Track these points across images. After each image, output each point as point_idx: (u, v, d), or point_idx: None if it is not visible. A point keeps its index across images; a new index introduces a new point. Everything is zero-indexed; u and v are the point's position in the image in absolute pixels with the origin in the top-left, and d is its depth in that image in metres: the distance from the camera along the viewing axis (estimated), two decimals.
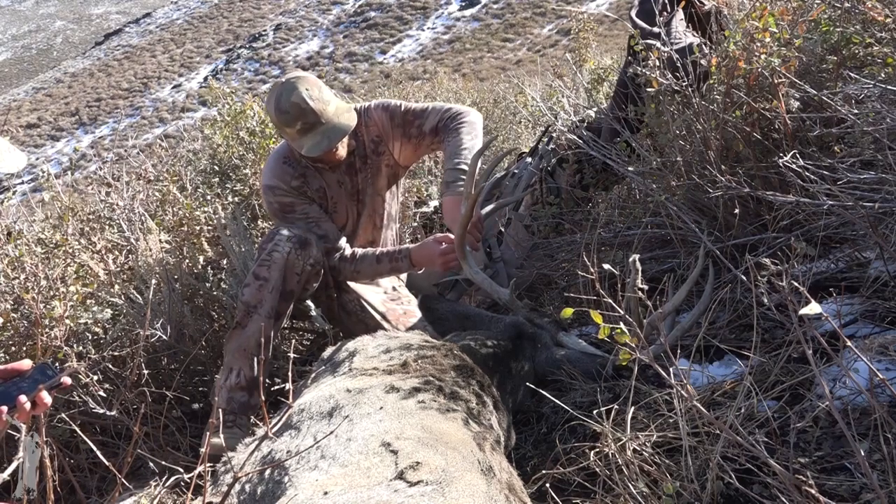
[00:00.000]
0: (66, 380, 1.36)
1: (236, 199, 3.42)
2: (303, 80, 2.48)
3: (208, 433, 2.16)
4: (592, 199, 3.22)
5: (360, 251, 2.69)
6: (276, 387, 2.51)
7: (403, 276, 3.05)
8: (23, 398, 1.30)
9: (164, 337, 2.55)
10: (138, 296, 2.69)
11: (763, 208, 2.22)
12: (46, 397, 1.34)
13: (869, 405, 1.46)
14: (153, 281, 2.61)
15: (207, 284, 2.83)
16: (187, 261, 2.94)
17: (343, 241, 2.69)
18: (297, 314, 2.65)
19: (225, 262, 2.99)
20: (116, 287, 2.80)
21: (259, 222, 3.47)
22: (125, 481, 1.59)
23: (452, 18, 36.76)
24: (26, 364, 1.35)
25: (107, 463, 1.50)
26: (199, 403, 2.73)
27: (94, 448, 1.73)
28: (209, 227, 3.18)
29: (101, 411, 2.28)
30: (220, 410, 2.32)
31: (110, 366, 2.52)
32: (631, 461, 1.48)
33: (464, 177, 2.54)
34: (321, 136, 2.46)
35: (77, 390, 2.36)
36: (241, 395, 2.35)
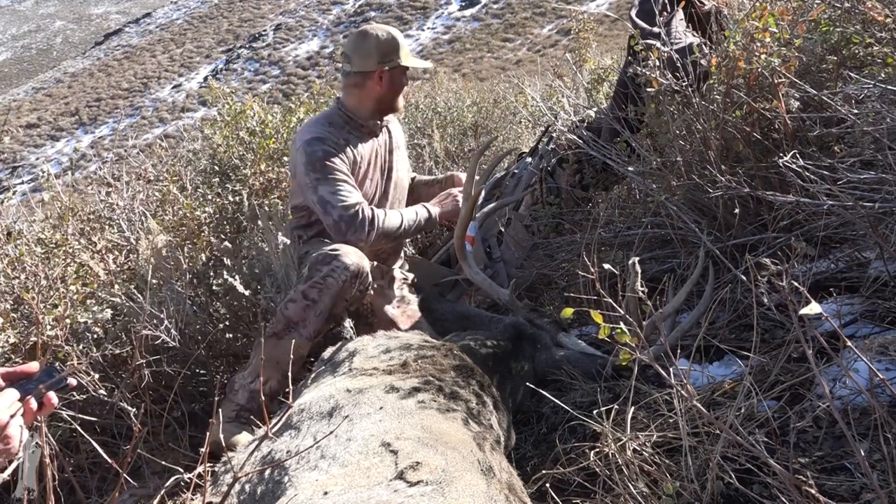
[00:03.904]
0: (72, 381, 1.37)
1: (236, 199, 3.41)
2: None
3: (210, 432, 2.17)
4: (592, 199, 3.22)
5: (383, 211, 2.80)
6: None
7: (403, 273, 3.05)
8: (32, 402, 1.32)
9: (171, 342, 2.53)
10: (139, 295, 2.69)
11: (763, 208, 2.22)
12: (53, 398, 1.35)
13: (869, 405, 1.46)
14: (153, 281, 2.60)
15: (210, 282, 2.83)
16: (188, 260, 2.93)
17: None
18: None
19: (228, 260, 2.98)
20: (116, 287, 2.79)
21: (260, 223, 3.45)
22: (125, 481, 1.59)
23: (452, 18, 36.73)
24: (34, 367, 1.36)
25: (109, 460, 1.50)
26: (199, 404, 2.72)
27: (96, 445, 1.73)
28: (210, 224, 3.19)
29: (103, 405, 2.28)
30: (237, 405, 2.39)
31: (107, 355, 2.51)
32: (631, 461, 1.48)
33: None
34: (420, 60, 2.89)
35: (77, 391, 2.36)
36: (258, 397, 2.37)
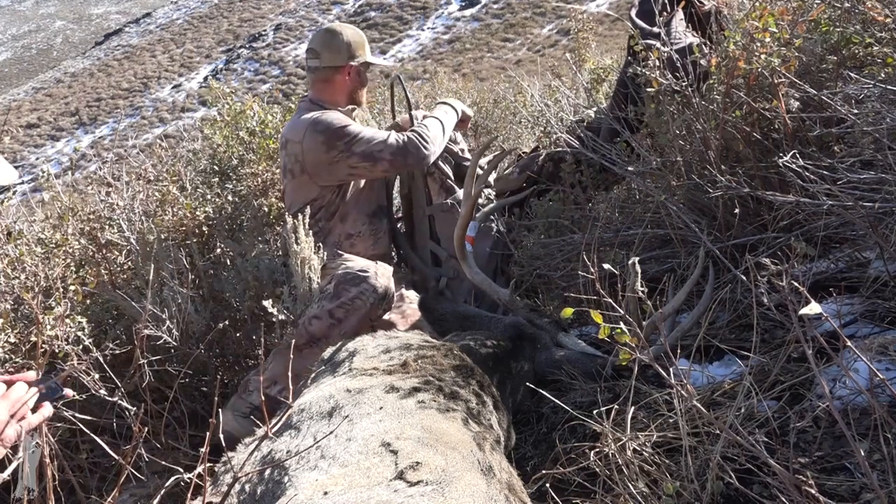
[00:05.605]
0: (69, 392, 1.38)
1: (236, 199, 3.40)
2: None
3: (211, 429, 2.18)
4: (592, 199, 3.22)
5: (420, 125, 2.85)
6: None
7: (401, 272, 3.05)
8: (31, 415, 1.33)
9: (172, 342, 2.53)
10: (139, 295, 2.69)
11: (763, 208, 2.22)
12: (48, 409, 1.36)
13: (869, 405, 1.46)
14: (153, 277, 2.60)
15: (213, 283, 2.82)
16: (188, 259, 2.92)
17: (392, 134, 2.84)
18: None
19: (229, 261, 2.98)
20: (115, 287, 2.79)
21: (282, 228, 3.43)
22: (125, 480, 1.59)
23: (452, 18, 36.70)
24: (31, 376, 1.37)
25: (112, 454, 1.50)
26: (200, 403, 2.72)
27: (101, 443, 1.73)
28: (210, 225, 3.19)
29: (103, 405, 2.28)
30: (251, 404, 2.45)
31: (107, 355, 2.51)
32: (631, 461, 1.48)
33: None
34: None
35: (77, 391, 2.36)
36: (273, 403, 2.38)
